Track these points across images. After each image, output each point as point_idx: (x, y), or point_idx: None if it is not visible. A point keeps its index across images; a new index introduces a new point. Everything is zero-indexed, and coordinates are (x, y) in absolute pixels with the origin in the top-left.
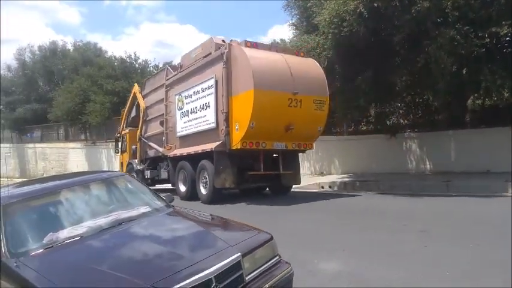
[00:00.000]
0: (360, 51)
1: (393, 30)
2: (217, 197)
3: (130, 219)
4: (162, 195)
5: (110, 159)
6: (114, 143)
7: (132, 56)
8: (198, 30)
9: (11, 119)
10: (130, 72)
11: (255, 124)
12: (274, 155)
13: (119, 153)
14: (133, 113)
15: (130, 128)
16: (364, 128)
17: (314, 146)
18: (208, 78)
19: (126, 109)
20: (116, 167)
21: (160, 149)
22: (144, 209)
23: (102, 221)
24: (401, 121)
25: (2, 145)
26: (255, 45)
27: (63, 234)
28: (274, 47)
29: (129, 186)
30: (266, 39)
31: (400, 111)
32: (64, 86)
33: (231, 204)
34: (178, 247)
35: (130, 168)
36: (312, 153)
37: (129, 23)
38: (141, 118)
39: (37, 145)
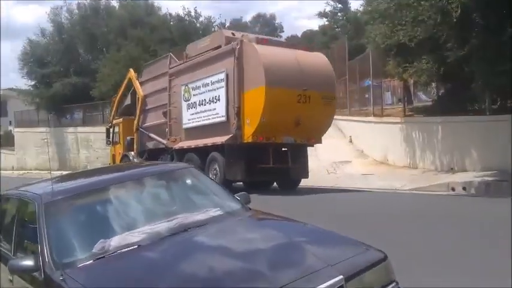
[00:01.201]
0: None
1: None
2: (228, 188)
3: (197, 225)
4: (237, 194)
5: None
6: (111, 132)
7: (192, 14)
8: None
9: (47, 96)
10: (190, 34)
11: (265, 119)
12: (283, 149)
13: (110, 145)
14: (127, 101)
15: (124, 117)
16: None
17: (322, 140)
18: (218, 71)
19: (119, 96)
20: None
21: (164, 141)
22: (214, 212)
23: (163, 226)
24: None
25: (37, 130)
26: (266, 42)
27: (117, 241)
28: (285, 43)
29: (196, 182)
30: None
31: None
32: (109, 54)
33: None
34: (259, 264)
35: (125, 162)
36: (435, 142)
37: None
38: (138, 107)
39: (79, 129)
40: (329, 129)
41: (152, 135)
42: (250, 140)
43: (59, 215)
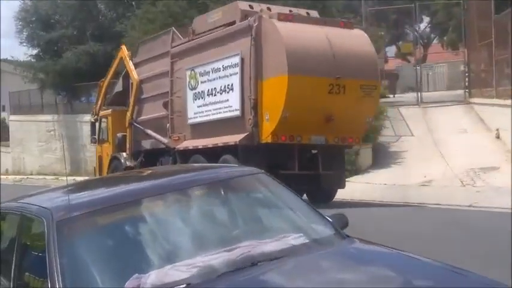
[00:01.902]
0: None
1: None
2: None
3: (270, 258)
4: (328, 214)
5: None
6: (97, 127)
7: None
8: None
9: (55, 70)
10: None
11: (288, 114)
12: (313, 151)
13: (96, 143)
14: (118, 87)
15: (113, 107)
16: None
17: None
18: (231, 54)
19: (107, 80)
20: None
21: (165, 140)
22: (295, 239)
23: (221, 257)
24: None
25: (41, 117)
26: (290, 18)
27: (156, 278)
28: (313, 19)
29: (268, 194)
30: None
31: None
32: (141, 10)
33: None
34: None
35: (115, 165)
36: None
37: None
38: (132, 95)
39: None
40: (464, 119)
41: (150, 131)
42: (269, 140)
43: (77, 238)
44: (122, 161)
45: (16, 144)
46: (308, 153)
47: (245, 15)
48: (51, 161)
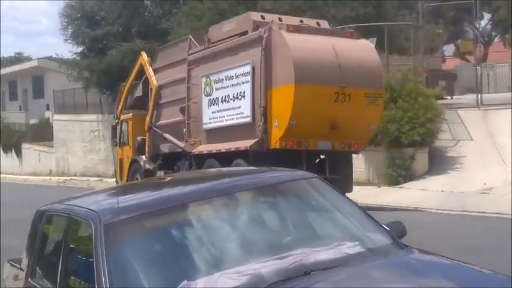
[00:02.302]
0: None
1: None
2: None
3: (324, 267)
4: (384, 222)
5: None
6: (118, 130)
7: None
8: None
9: (100, 68)
10: None
11: (295, 121)
12: (322, 157)
13: (117, 146)
14: (138, 92)
15: (134, 111)
16: None
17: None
18: (243, 63)
19: (128, 85)
20: None
21: (181, 144)
22: (350, 248)
23: (272, 265)
24: None
25: (85, 117)
26: (298, 29)
27: (206, 285)
28: (322, 30)
29: (321, 199)
30: None
31: None
32: (188, 6)
33: None
34: None
35: (134, 168)
36: None
37: None
38: (151, 100)
39: None
40: None
41: (167, 136)
42: (277, 146)
43: (124, 242)
44: (141, 164)
45: (60, 144)
46: (316, 159)
47: (257, 25)
48: (95, 162)
